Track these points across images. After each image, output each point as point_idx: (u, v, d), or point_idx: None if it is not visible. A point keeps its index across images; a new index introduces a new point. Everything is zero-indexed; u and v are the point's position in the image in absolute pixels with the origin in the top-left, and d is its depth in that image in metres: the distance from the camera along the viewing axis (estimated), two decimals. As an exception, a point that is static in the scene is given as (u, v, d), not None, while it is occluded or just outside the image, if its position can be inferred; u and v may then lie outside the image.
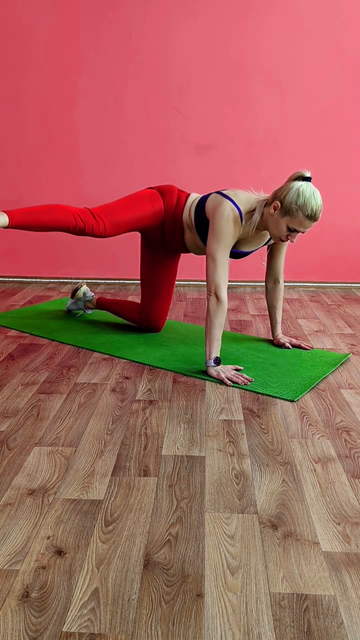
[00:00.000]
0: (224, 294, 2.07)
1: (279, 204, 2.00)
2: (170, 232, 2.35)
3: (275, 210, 2.02)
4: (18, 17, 3.47)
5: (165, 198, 2.32)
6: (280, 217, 2.01)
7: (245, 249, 2.25)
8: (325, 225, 3.65)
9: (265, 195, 2.16)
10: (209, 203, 2.17)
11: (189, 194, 2.35)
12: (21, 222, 2.03)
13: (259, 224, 2.13)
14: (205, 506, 1.26)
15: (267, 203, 2.08)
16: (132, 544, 1.13)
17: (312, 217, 1.97)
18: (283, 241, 2.09)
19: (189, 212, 2.28)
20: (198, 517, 1.22)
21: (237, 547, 1.13)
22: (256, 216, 2.09)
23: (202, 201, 2.23)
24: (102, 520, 1.21)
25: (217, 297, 2.06)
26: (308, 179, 2.00)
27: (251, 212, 2.11)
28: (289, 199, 1.97)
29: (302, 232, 2.03)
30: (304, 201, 1.94)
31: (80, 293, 2.88)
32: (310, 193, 1.95)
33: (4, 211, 2.01)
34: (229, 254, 2.12)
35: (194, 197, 2.33)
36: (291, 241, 2.07)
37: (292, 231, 2.02)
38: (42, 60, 3.54)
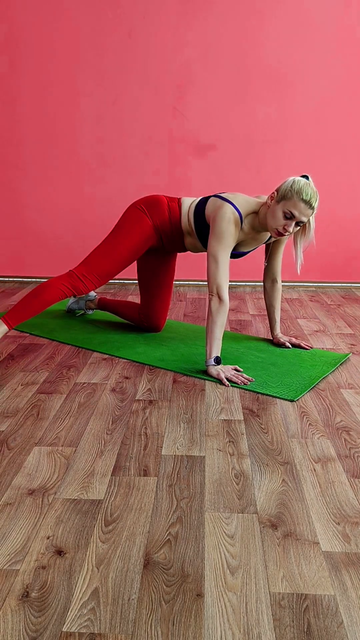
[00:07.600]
0: (225, 294, 2.08)
1: (276, 193, 2.04)
2: (169, 240, 2.34)
3: (272, 200, 2.05)
4: (18, 17, 3.47)
5: (152, 214, 2.28)
6: (276, 204, 2.03)
7: (243, 250, 2.26)
8: (325, 225, 3.65)
9: (264, 197, 2.17)
10: (209, 207, 2.18)
11: (179, 199, 2.32)
12: (19, 321, 2.17)
13: (257, 225, 2.14)
14: (205, 506, 1.26)
15: (265, 202, 2.10)
16: (132, 544, 1.13)
17: (307, 202, 1.98)
18: (281, 234, 2.04)
19: (187, 218, 2.27)
20: (198, 517, 1.22)
21: (237, 547, 1.13)
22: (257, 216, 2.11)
23: (201, 206, 2.22)
24: (102, 520, 1.21)
25: (219, 297, 2.07)
26: (305, 176, 2.06)
27: (250, 214, 2.12)
28: (284, 186, 2.02)
29: (298, 220, 2.01)
30: (299, 187, 1.98)
31: None
32: (305, 182, 2.01)
33: (1, 320, 2.14)
34: (229, 255, 2.12)
35: (189, 201, 2.30)
36: (288, 231, 2.02)
37: (288, 218, 2.01)
38: (41, 60, 3.53)
